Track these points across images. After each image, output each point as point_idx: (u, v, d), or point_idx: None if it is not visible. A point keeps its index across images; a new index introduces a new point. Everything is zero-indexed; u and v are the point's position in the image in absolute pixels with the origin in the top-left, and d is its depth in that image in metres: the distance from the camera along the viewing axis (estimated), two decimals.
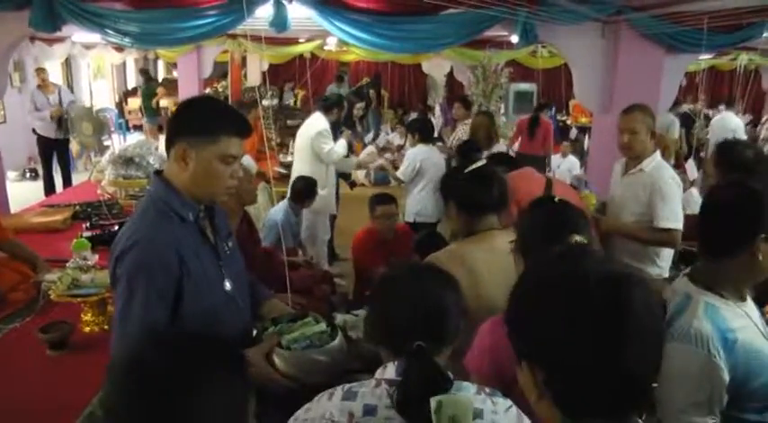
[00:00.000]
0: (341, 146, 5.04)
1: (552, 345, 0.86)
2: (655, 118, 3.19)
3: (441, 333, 1.35)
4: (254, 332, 1.88)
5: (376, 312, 1.43)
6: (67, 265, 2.74)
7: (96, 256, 2.82)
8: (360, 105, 10.98)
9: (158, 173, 1.75)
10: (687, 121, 9.75)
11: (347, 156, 5.22)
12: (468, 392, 1.28)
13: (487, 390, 1.33)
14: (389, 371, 1.31)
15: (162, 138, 6.82)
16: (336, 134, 5.19)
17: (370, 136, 10.37)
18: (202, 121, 1.66)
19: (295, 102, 13.81)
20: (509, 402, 1.31)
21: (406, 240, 4.15)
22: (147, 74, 13.32)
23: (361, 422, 1.24)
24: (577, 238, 1.52)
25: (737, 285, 1.60)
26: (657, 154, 3.12)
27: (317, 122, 4.94)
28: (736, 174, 2.37)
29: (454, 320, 1.37)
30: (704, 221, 1.65)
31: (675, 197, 2.99)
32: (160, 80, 15.92)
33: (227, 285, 1.76)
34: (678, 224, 2.96)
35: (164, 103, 13.09)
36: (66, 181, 7.87)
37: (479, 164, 2.34)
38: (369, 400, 1.27)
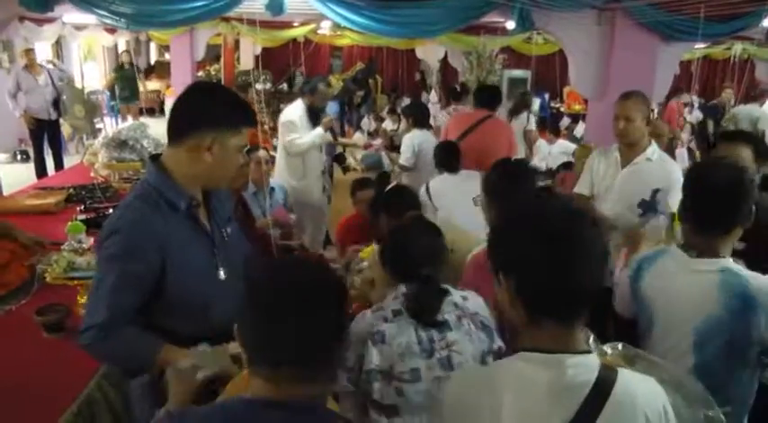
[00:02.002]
0: (312, 135, 4.63)
1: (520, 261, 1.13)
2: (650, 106, 3.17)
3: (440, 264, 1.85)
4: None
5: (398, 247, 1.87)
6: (63, 247, 2.73)
7: (91, 240, 2.80)
8: (360, 94, 11.11)
9: (155, 158, 1.71)
10: (715, 112, 9.58)
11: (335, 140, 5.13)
12: (453, 293, 1.79)
13: (463, 292, 1.85)
14: (401, 289, 1.77)
15: (142, 119, 6.74)
16: (317, 119, 4.77)
17: (366, 122, 10.37)
18: (227, 111, 1.65)
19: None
20: (478, 296, 1.84)
21: None
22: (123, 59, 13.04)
23: (394, 321, 1.71)
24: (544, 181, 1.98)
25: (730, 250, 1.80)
26: (654, 142, 3.09)
27: (288, 111, 4.71)
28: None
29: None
30: (712, 200, 1.74)
31: None
32: (152, 62, 15.80)
33: (222, 274, 1.74)
34: None
35: (153, 86, 12.92)
36: (58, 163, 7.74)
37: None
38: (394, 306, 1.75)
